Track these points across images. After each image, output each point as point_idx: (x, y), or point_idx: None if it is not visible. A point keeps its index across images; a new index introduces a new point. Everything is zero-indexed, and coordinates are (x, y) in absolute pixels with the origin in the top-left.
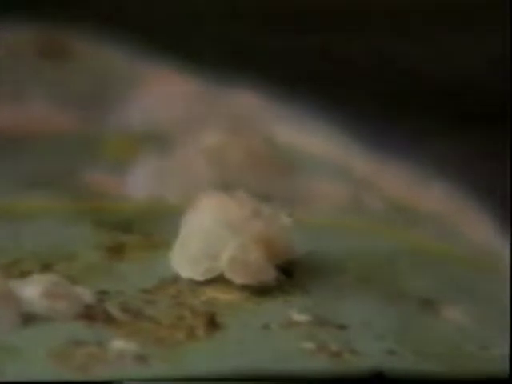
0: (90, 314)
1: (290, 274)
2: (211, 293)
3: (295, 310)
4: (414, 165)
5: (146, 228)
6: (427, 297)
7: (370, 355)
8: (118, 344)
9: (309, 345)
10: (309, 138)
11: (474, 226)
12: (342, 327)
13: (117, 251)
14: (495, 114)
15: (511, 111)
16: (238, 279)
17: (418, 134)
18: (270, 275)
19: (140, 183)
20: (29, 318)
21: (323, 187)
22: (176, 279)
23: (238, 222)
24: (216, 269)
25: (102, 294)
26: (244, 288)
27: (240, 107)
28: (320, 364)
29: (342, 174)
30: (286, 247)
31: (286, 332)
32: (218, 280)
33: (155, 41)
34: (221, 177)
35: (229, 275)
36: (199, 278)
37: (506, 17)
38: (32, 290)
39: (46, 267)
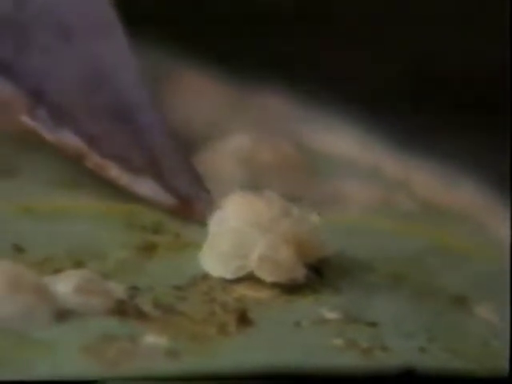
0: (122, 310)
1: (320, 272)
2: (242, 290)
3: (326, 308)
4: (444, 164)
5: (176, 229)
6: (458, 294)
7: (401, 353)
8: (150, 339)
9: (339, 342)
10: (337, 138)
11: (505, 225)
12: (373, 325)
13: (148, 251)
14: None
15: None
16: (268, 277)
17: (448, 133)
18: (299, 273)
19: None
20: (62, 314)
21: (353, 188)
22: (206, 277)
23: (268, 221)
24: (246, 267)
25: (134, 290)
26: (275, 286)
27: (268, 109)
28: (350, 361)
29: (371, 174)
30: (316, 246)
31: (317, 329)
32: (249, 278)
33: (184, 42)
34: (249, 178)
35: (258, 273)
36: (229, 276)
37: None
38: (65, 286)
39: (78, 265)
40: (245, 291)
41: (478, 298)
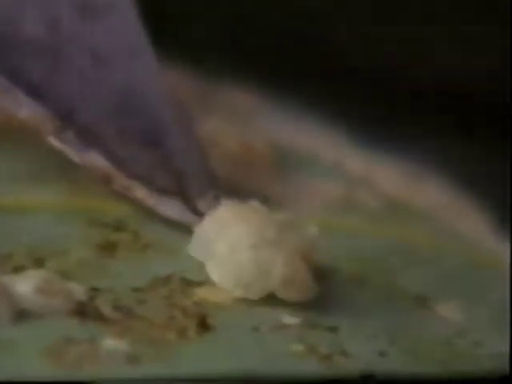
0: (81, 312)
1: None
2: (202, 294)
3: (285, 313)
4: (409, 162)
5: (137, 227)
6: (421, 294)
7: (361, 357)
8: (109, 343)
9: (299, 347)
10: (302, 136)
11: (469, 223)
12: (333, 329)
13: (109, 249)
14: (494, 111)
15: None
16: (290, 297)
17: (412, 131)
18: (314, 289)
19: None
20: (21, 315)
21: (317, 185)
22: (167, 280)
23: (277, 236)
24: (268, 287)
25: (94, 292)
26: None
27: (235, 105)
28: (310, 366)
29: (335, 172)
30: (315, 257)
31: (277, 334)
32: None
33: (154, 38)
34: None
35: (280, 294)
36: (253, 297)
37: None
38: (24, 286)
39: (38, 263)
40: (205, 295)
41: (440, 297)
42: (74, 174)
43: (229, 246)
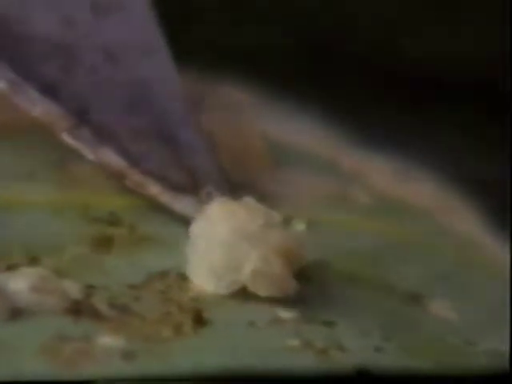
0: (77, 309)
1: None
2: (198, 289)
3: (281, 307)
4: (402, 159)
5: (132, 220)
6: (415, 292)
7: (357, 352)
8: (105, 340)
9: (295, 342)
10: (295, 132)
11: (462, 221)
12: (329, 324)
13: (104, 245)
14: (489, 107)
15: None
16: (262, 292)
17: (407, 128)
18: (292, 286)
19: None
20: (16, 313)
21: (310, 182)
22: (162, 275)
23: (256, 232)
24: (239, 282)
25: (90, 289)
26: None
27: (229, 103)
28: (306, 361)
29: (328, 169)
30: (302, 254)
31: (272, 329)
32: None
33: None
34: None
35: (252, 288)
36: (223, 291)
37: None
38: (19, 284)
39: (33, 260)
40: (201, 290)
41: (434, 295)
42: (68, 171)
43: (207, 243)
